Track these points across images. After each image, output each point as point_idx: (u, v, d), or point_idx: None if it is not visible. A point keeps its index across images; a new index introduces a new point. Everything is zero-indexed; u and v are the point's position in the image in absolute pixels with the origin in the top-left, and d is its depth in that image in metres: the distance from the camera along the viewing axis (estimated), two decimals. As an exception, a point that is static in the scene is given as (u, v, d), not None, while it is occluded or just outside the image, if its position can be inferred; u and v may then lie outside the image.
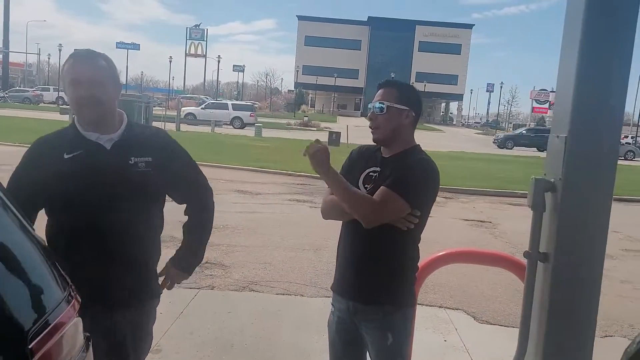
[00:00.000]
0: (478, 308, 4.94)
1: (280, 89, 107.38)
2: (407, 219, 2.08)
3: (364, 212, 2.04)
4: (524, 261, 1.94)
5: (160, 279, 2.24)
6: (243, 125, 34.08)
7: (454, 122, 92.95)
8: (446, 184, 13.34)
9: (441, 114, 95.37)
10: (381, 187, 2.05)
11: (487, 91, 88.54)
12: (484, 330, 4.52)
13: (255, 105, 46.69)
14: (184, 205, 2.27)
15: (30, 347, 0.95)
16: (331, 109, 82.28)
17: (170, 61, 78.55)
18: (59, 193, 1.89)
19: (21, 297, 1.03)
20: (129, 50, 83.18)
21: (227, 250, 6.27)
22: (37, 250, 1.12)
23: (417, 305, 4.70)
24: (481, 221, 9.51)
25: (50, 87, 59.20)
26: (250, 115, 36.21)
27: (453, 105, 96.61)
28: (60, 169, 1.88)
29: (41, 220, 1.98)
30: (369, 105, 2.21)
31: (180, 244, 2.29)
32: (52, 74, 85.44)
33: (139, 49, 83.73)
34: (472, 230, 8.70)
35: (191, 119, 35.81)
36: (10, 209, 1.10)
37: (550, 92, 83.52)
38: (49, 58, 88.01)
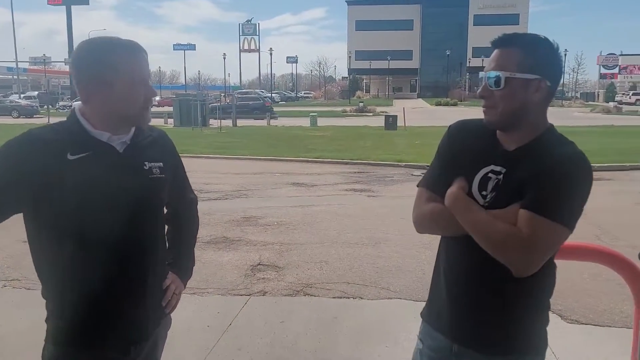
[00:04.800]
0: (565, 305, 4.29)
1: (334, 77, 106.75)
2: None
3: (511, 256, 1.41)
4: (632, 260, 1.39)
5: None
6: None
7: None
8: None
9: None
10: (521, 210, 1.42)
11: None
12: (573, 332, 3.89)
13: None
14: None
15: None
16: (386, 93, 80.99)
17: (224, 58, 79.93)
18: (61, 201, 1.49)
19: None
20: (186, 50, 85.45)
21: (281, 249, 5.89)
22: None
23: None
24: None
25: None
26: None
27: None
28: (63, 171, 1.49)
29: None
30: (480, 75, 1.56)
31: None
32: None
33: (195, 49, 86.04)
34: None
35: None
36: None
37: (620, 55, 78.29)
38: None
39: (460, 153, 1.60)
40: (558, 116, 35.74)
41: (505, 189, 1.49)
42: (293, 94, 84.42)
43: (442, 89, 73.89)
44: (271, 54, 74.24)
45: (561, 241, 1.44)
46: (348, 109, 43.64)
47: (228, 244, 6.12)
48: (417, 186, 1.68)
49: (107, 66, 1.54)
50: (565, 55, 79.26)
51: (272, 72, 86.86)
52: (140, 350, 1.69)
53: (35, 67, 74.91)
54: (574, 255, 2.83)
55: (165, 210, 1.84)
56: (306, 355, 3.48)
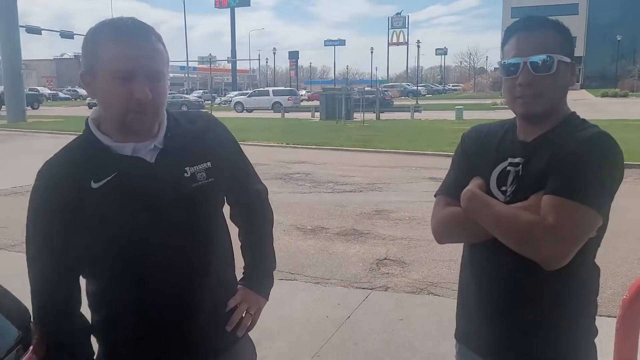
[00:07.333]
0: None
1: (485, 68, 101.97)
2: None
3: (538, 247, 1.25)
4: None
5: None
6: (283, 109, 32.49)
7: None
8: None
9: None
10: (544, 196, 1.28)
11: None
12: None
13: (300, 91, 50.61)
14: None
15: None
16: (544, 84, 75.19)
17: (372, 52, 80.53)
18: (94, 233, 1.29)
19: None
20: (336, 46, 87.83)
21: (409, 244, 5.77)
22: None
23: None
24: None
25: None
26: (288, 99, 37.76)
27: None
28: (90, 202, 1.26)
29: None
30: (515, 60, 1.36)
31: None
32: (271, 76, 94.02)
33: (345, 45, 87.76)
34: None
35: (240, 108, 39.09)
36: None
37: None
38: (267, 62, 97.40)
39: (474, 155, 1.51)
40: None
41: (526, 180, 1.36)
42: (440, 87, 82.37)
43: (610, 78, 66.59)
44: (418, 46, 73.32)
45: (591, 226, 1.28)
46: (498, 101, 41.30)
47: (357, 236, 6.14)
48: (435, 195, 1.57)
49: (87, 53, 1.26)
50: None
51: (420, 64, 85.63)
52: None
53: (203, 66, 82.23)
54: None
55: (229, 209, 1.62)
56: (421, 357, 3.36)
